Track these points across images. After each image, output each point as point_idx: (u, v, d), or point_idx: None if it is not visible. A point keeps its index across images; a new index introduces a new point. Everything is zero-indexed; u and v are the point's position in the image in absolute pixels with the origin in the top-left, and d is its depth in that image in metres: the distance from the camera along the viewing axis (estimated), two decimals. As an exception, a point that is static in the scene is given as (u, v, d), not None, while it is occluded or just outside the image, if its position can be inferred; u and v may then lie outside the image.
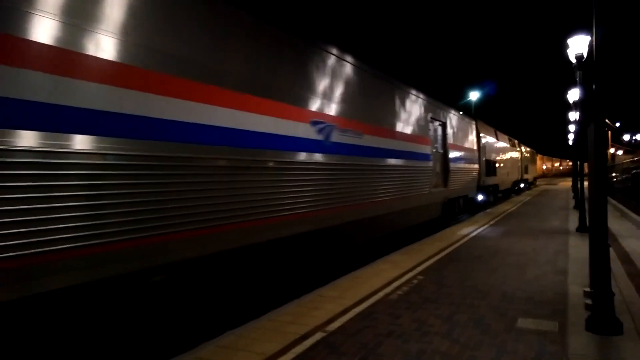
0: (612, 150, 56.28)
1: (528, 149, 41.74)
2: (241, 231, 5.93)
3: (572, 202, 21.45)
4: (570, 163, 34.85)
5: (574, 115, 23.24)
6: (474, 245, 10.60)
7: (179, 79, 5.07)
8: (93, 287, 4.26)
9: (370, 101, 9.83)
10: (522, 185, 35.51)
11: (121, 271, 4.45)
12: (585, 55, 10.55)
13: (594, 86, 4.91)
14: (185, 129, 5.09)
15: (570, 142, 36.23)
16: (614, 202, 19.76)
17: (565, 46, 11.01)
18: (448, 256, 9.26)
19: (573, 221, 14.16)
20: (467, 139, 18.10)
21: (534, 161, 48.85)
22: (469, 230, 13.18)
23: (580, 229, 12.30)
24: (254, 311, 6.24)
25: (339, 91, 8.59)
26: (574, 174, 22.52)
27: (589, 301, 5.11)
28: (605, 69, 4.90)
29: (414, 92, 12.40)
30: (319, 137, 7.76)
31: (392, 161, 10.65)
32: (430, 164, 13.42)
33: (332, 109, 8.31)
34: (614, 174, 22.48)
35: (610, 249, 4.93)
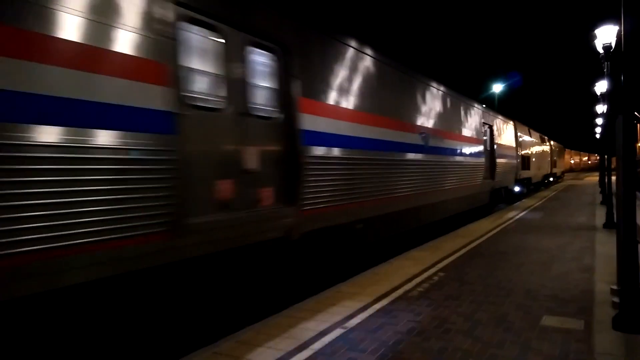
0: (641, 144, 54.82)
1: (556, 144, 43.81)
2: (388, 203, 9.27)
3: (599, 198, 20.93)
4: (599, 157, 34.86)
5: (601, 108, 22.68)
6: (497, 241, 10.43)
7: (368, 114, 8.63)
8: (343, 225, 7.76)
9: (449, 114, 13.23)
10: (551, 178, 37.60)
11: (348, 220, 7.85)
12: (613, 45, 10.24)
13: (622, 77, 4.75)
14: (370, 142, 8.51)
15: (598, 136, 35.52)
16: (643, 197, 19.19)
17: (593, 36, 10.71)
18: (470, 252, 9.12)
19: (600, 217, 13.80)
20: (507, 138, 20.99)
21: (562, 156, 51.27)
22: (492, 226, 12.97)
23: (608, 225, 11.98)
24: (273, 307, 6.26)
25: (433, 110, 11.92)
26: (601, 168, 22.06)
27: (616, 299, 4.97)
28: (634, 59, 4.74)
29: (474, 104, 15.99)
30: (421, 142, 10.99)
31: (459, 158, 13.75)
32: (483, 160, 16.22)
33: (428, 123, 11.53)
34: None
35: (639, 245, 4.77)
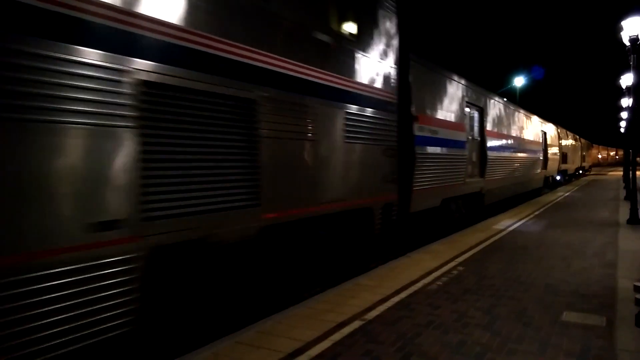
0: (666, 138, 54.27)
1: (585, 141, 53.06)
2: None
3: (623, 193, 20.52)
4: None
5: (626, 102, 22.22)
6: (518, 235, 10.34)
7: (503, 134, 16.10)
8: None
9: (525, 127, 20.22)
10: (580, 171, 45.84)
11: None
12: (640, 37, 10.00)
13: (649, 70, 4.65)
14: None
15: (622, 130, 35.01)
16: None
17: (619, 28, 10.47)
18: (490, 247, 9.07)
19: (623, 212, 13.55)
20: (554, 139, 28.12)
21: (589, 151, 61.32)
22: (512, 220, 12.85)
23: (632, 220, 11.77)
24: (293, 298, 6.33)
25: (518, 126, 19.23)
26: (626, 163, 21.79)
27: (639, 296, 4.90)
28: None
29: (537, 118, 23.51)
30: (515, 146, 18.43)
31: (531, 155, 21.07)
32: (541, 155, 23.70)
33: (518, 134, 19.04)
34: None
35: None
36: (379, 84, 7.97)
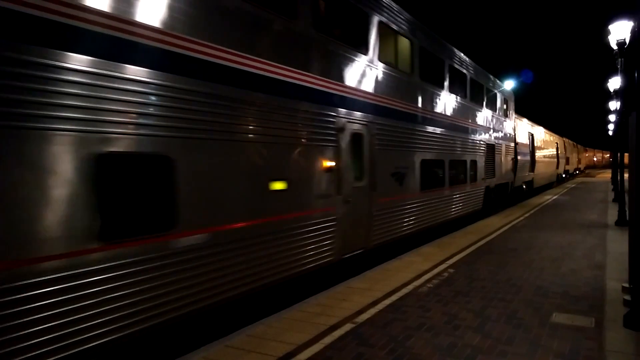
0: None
1: (581, 147, 66.81)
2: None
3: (611, 195, 20.73)
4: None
5: (614, 105, 22.46)
6: (508, 237, 10.39)
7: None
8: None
9: (559, 145, 37.85)
10: (577, 171, 57.09)
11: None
12: (627, 41, 10.11)
13: (636, 74, 4.71)
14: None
15: (610, 133, 35.63)
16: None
17: (607, 32, 10.58)
18: (481, 249, 9.11)
19: (612, 214, 13.69)
20: (560, 147, 37.72)
21: (584, 154, 73.54)
22: (503, 222, 12.92)
23: (620, 222, 11.88)
24: (284, 302, 6.31)
25: (552, 148, 34.90)
26: (614, 165, 22.12)
27: (627, 297, 4.94)
28: (648, 55, 4.70)
29: (557, 135, 37.13)
30: (554, 153, 35.18)
31: (548, 159, 31.33)
32: (555, 159, 34.12)
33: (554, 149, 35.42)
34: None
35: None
36: (510, 131, 19.39)
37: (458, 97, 12.58)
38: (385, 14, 8.64)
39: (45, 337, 3.50)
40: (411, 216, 9.66)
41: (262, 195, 5.63)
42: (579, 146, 61.78)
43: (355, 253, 7.62)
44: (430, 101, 10.68)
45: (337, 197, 7.07)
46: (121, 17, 4.07)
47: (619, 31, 10.18)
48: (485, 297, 5.89)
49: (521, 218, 14.02)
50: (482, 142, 14.83)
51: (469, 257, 8.34)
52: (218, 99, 4.98)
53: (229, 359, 4.16)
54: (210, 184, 4.94)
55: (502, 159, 17.31)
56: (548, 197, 22.19)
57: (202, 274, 4.77)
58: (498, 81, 17.21)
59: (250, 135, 5.46)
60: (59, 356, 3.57)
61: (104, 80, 3.91)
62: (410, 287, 6.42)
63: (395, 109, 9.01)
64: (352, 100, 7.55)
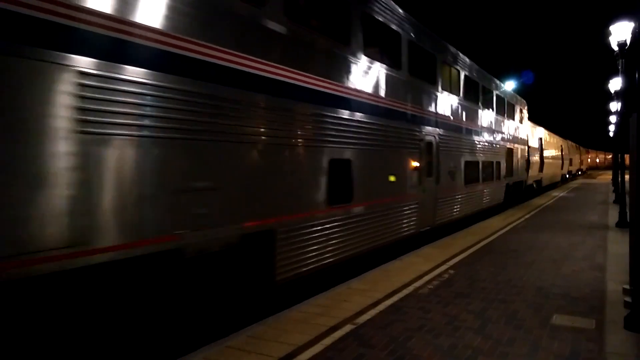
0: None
1: (584, 149, 70.32)
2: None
3: (612, 196, 20.72)
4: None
5: (615, 106, 22.45)
6: (509, 239, 10.39)
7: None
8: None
9: (571, 150, 46.71)
10: (580, 172, 59.60)
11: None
12: (628, 42, 10.10)
13: (637, 75, 4.71)
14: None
15: (611, 134, 35.79)
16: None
17: (608, 33, 10.58)
18: (482, 250, 9.10)
19: (613, 216, 13.68)
20: (564, 149, 40.55)
21: (586, 156, 76.88)
22: (503, 224, 12.92)
23: (620, 224, 11.88)
24: (284, 303, 6.31)
25: (568, 152, 43.15)
26: (615, 166, 22.12)
27: (628, 299, 4.94)
28: (649, 56, 4.70)
29: (568, 141, 45.04)
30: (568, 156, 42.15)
31: (554, 160, 33.64)
32: (560, 160, 37.01)
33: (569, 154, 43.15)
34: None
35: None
36: (524, 136, 21.83)
37: (488, 111, 15.97)
38: (450, 57, 12.13)
39: (312, 254, 6.56)
40: (459, 204, 12.55)
41: (386, 184, 8.60)
42: (580, 148, 63.93)
43: (426, 229, 10.40)
44: (471, 117, 13.75)
45: (419, 187, 9.89)
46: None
47: (620, 32, 10.18)
48: (485, 298, 5.89)
49: (522, 219, 14.01)
50: (503, 146, 17.81)
51: (469, 258, 8.33)
52: (379, 127, 8.30)
53: (229, 360, 4.16)
54: (366, 177, 7.86)
55: (518, 160, 20.37)
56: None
57: (362, 230, 7.72)
58: (517, 95, 21.67)
59: (382, 145, 8.38)
60: (317, 265, 6.66)
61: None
62: (410, 288, 6.42)
63: (450, 124, 11.97)
64: (428, 119, 10.51)
